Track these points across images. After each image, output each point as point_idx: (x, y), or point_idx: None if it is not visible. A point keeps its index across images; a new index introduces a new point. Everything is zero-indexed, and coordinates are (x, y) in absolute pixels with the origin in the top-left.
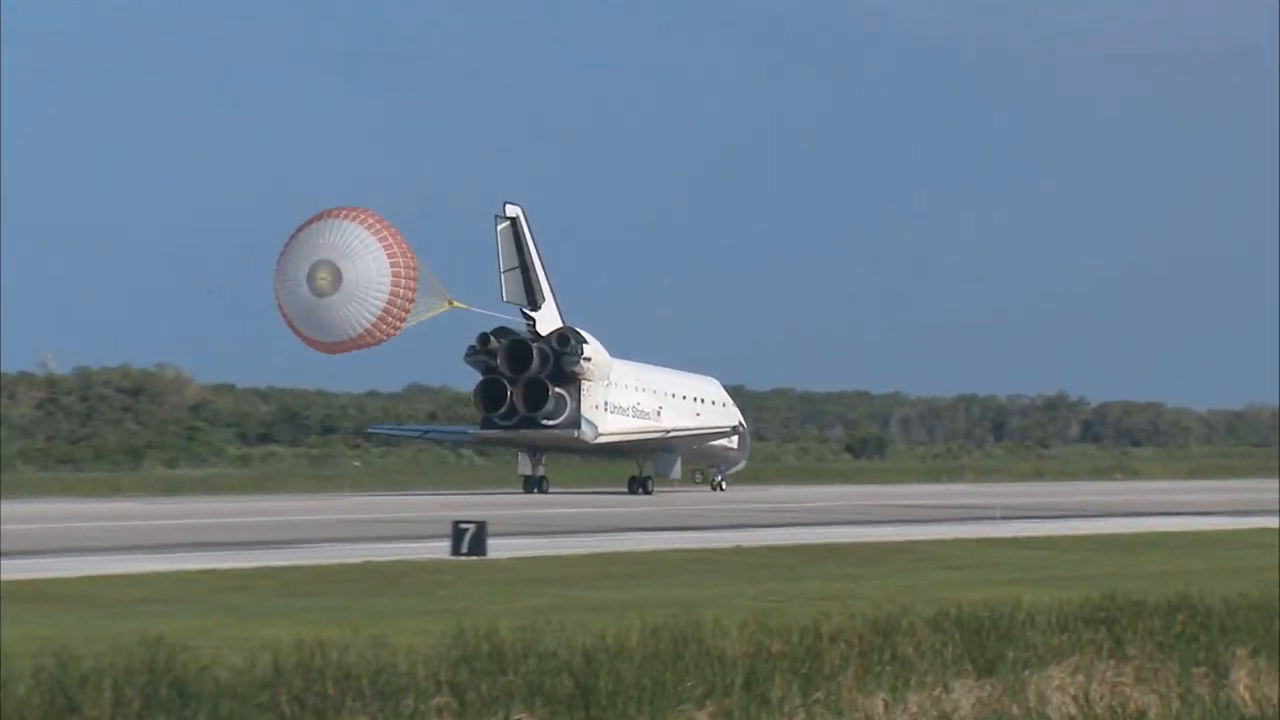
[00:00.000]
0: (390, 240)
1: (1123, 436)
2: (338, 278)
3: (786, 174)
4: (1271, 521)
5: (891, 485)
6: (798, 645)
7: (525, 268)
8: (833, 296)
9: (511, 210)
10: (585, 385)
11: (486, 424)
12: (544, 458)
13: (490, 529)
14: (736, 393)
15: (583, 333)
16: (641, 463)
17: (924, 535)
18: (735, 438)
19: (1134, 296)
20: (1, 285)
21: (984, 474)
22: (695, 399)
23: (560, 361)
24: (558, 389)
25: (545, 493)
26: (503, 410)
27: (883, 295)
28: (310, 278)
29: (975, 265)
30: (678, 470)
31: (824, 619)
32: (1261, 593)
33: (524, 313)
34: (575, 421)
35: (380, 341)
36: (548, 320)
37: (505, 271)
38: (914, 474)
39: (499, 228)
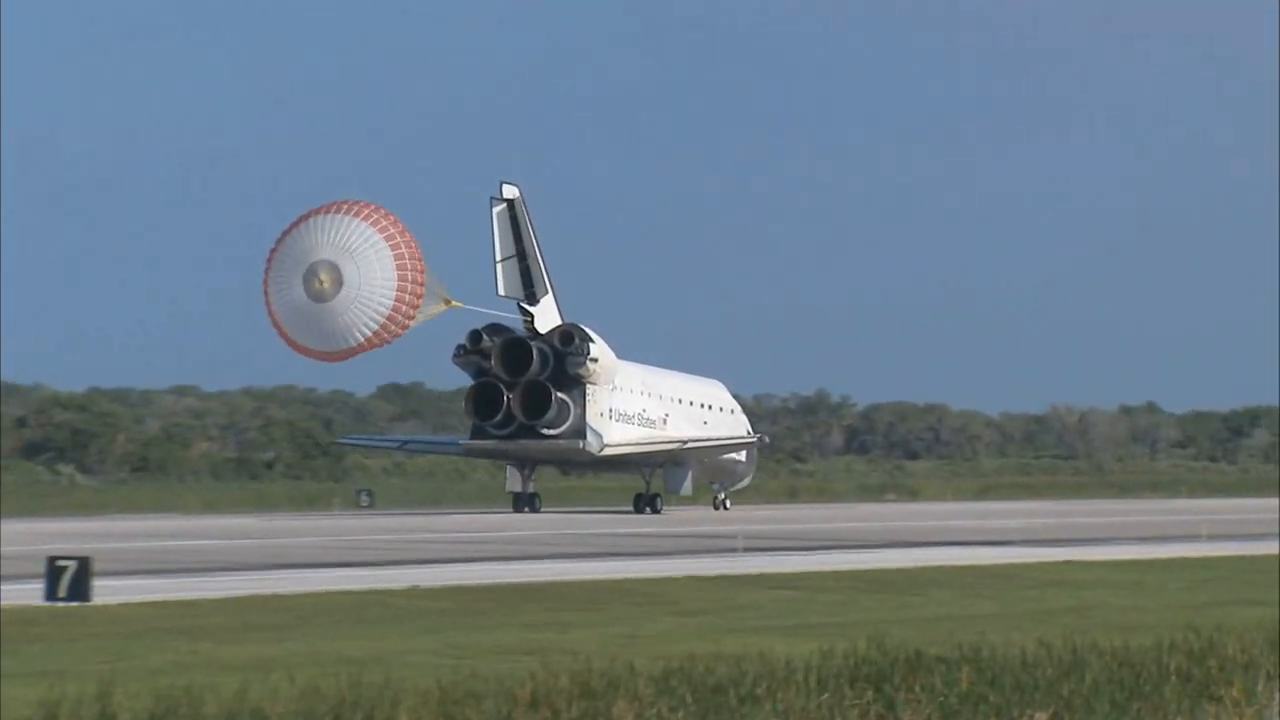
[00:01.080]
0: (397, 237)
1: (896, 447)
2: (338, 280)
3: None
4: (1081, 552)
5: (602, 510)
6: (491, 715)
7: (524, 256)
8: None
9: (509, 191)
10: (590, 390)
11: (477, 433)
12: (534, 473)
13: (109, 567)
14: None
15: (588, 330)
16: (649, 478)
17: (648, 571)
18: (743, 451)
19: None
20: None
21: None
22: (702, 405)
23: (563, 363)
24: (560, 394)
25: (537, 512)
26: (498, 418)
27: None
28: (307, 280)
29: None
30: (689, 486)
31: (523, 680)
32: (1065, 642)
33: (521, 307)
34: (580, 430)
35: (377, 346)
36: (546, 316)
37: (501, 261)
38: (629, 495)
39: (495, 211)
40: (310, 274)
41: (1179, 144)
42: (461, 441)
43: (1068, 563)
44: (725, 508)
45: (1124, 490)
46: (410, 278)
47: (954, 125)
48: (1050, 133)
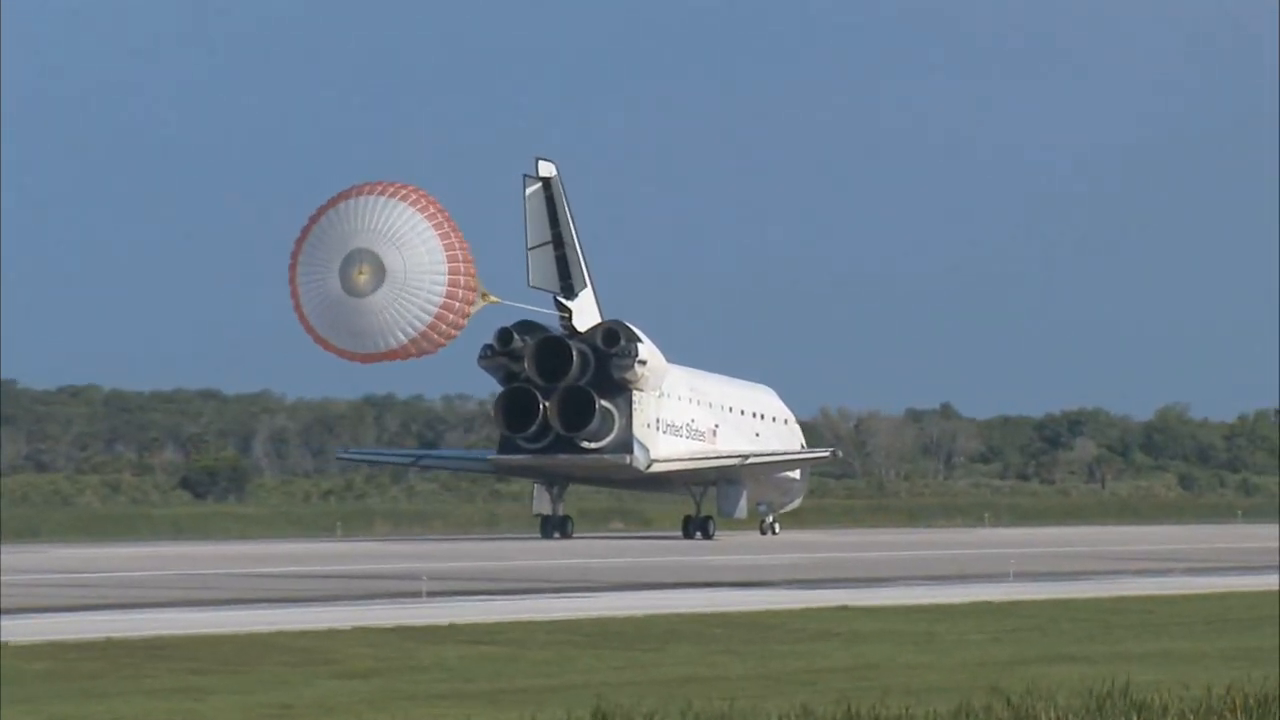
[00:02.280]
0: (444, 224)
1: None
2: (379, 271)
3: None
4: (858, 595)
5: (252, 543)
6: None
7: (560, 243)
8: None
9: (545, 168)
10: (637, 397)
11: (507, 447)
12: (564, 492)
13: None
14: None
15: (634, 328)
16: (700, 498)
17: (305, 622)
18: (797, 469)
19: None
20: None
21: (402, 521)
22: (754, 414)
23: (606, 366)
24: (604, 401)
25: (568, 536)
26: (532, 429)
27: None
28: (344, 272)
29: None
30: (744, 507)
31: None
32: (837, 710)
33: (557, 301)
34: (625, 444)
35: (428, 352)
36: (584, 312)
37: (534, 248)
38: (288, 522)
39: (528, 191)
40: (348, 264)
41: None
42: (489, 456)
43: (842, 609)
44: (774, 532)
45: (912, 516)
46: (463, 270)
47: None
48: None
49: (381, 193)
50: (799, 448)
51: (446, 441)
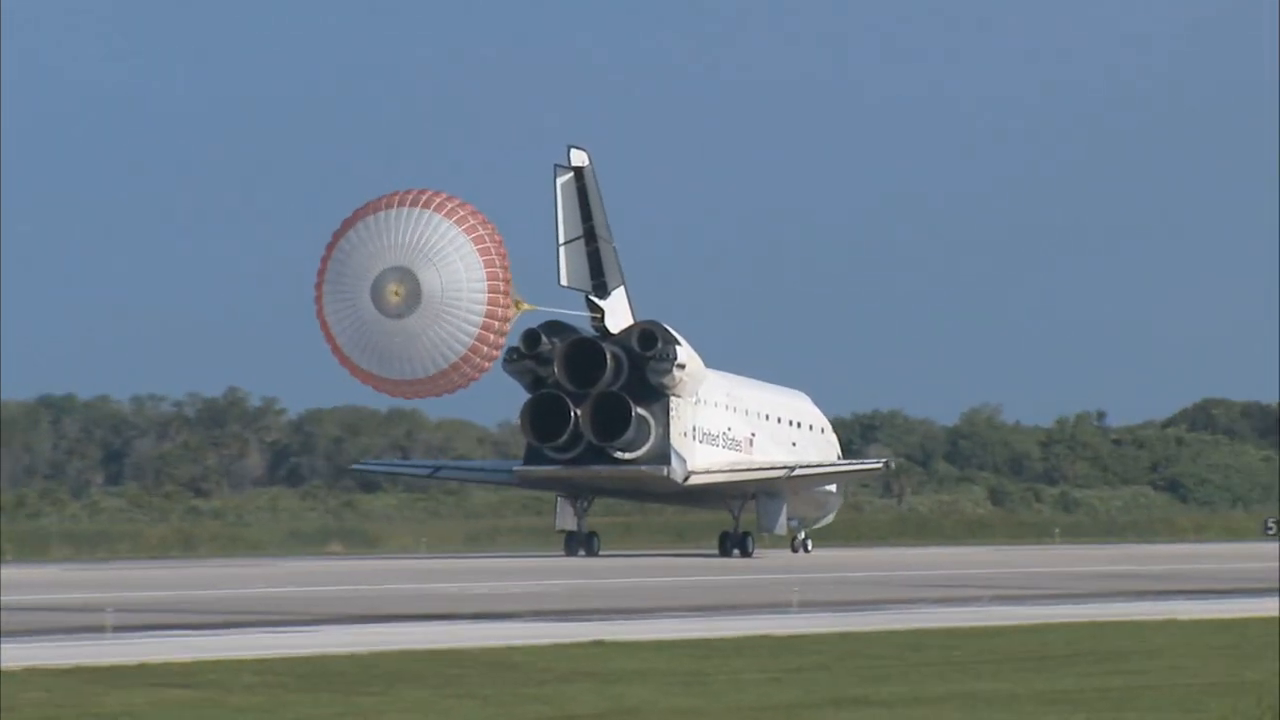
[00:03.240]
0: (479, 230)
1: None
2: (415, 290)
3: None
4: (616, 628)
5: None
6: None
7: (593, 238)
8: None
9: (578, 157)
10: (674, 404)
11: (534, 457)
12: (589, 506)
13: None
14: None
15: (672, 330)
16: (738, 513)
17: None
18: (834, 482)
19: None
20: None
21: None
22: (791, 422)
23: (642, 370)
24: (640, 409)
25: (595, 554)
26: (564, 438)
27: None
28: (377, 292)
29: None
30: (784, 522)
31: None
32: None
33: (589, 301)
34: (663, 454)
35: (472, 380)
36: (616, 313)
37: (566, 244)
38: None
39: (559, 181)
40: (380, 283)
41: None
42: (515, 468)
43: (597, 644)
44: (806, 549)
45: (678, 534)
46: (502, 288)
47: None
48: None
49: (414, 203)
50: (835, 457)
51: (136, 450)
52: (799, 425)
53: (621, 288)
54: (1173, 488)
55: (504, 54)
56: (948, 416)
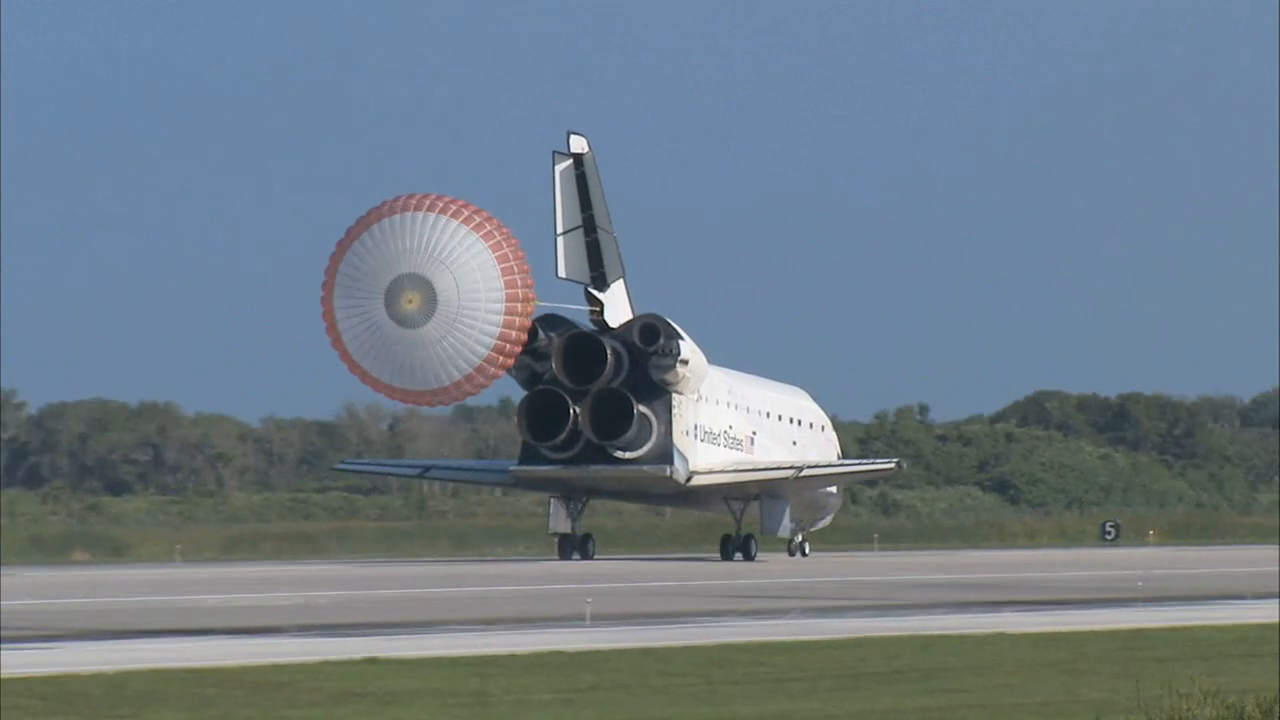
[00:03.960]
0: (496, 235)
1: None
2: (430, 297)
3: None
4: (388, 644)
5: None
6: None
7: (593, 228)
8: None
9: (577, 143)
10: (676, 401)
11: (529, 456)
12: (584, 508)
13: None
14: None
15: (674, 324)
16: (740, 515)
17: None
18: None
19: None
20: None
21: None
22: (792, 420)
23: (643, 366)
24: (642, 407)
25: (590, 558)
26: (562, 437)
27: None
28: (390, 300)
29: None
30: (787, 525)
31: None
32: None
33: (588, 294)
34: (665, 453)
35: (484, 386)
36: (615, 305)
37: (564, 234)
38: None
39: (558, 168)
40: (394, 291)
41: None
42: (510, 468)
43: (370, 661)
44: (804, 553)
45: (461, 541)
46: (520, 294)
47: None
48: None
49: (429, 209)
50: (835, 456)
51: None
52: (799, 423)
53: (621, 280)
54: (1002, 488)
55: (501, 37)
56: None
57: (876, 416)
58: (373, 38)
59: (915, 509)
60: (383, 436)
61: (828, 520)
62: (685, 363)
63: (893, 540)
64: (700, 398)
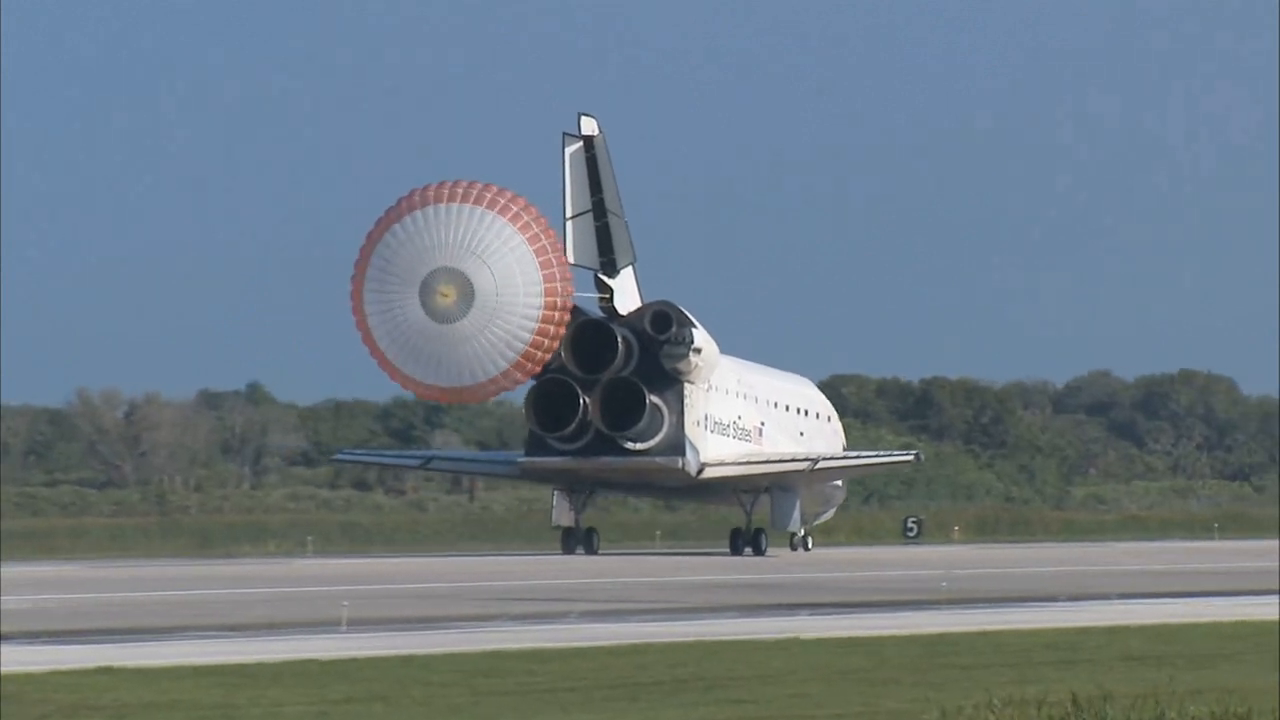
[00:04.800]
0: (536, 230)
1: None
2: (467, 291)
3: None
4: (130, 651)
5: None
6: None
7: (603, 212)
8: None
9: (588, 125)
10: (688, 391)
11: (536, 447)
12: (587, 501)
13: None
14: None
15: (686, 312)
16: (750, 508)
17: None
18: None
19: None
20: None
21: None
22: (799, 410)
23: (656, 355)
24: (654, 396)
25: (594, 553)
26: (572, 428)
27: None
28: (424, 294)
29: None
30: (798, 519)
31: None
32: None
33: (598, 280)
34: (677, 445)
35: (518, 383)
36: (624, 292)
37: (574, 218)
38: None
39: (568, 151)
40: (429, 284)
41: None
42: (518, 459)
43: (104, 670)
44: (806, 548)
45: (207, 540)
46: (560, 289)
47: None
48: None
49: (457, 199)
50: (841, 447)
51: None
52: (806, 413)
53: (631, 267)
54: None
55: (514, 17)
56: None
57: None
58: (379, 19)
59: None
60: (118, 425)
61: (830, 514)
62: (698, 351)
63: (677, 538)
64: (710, 387)
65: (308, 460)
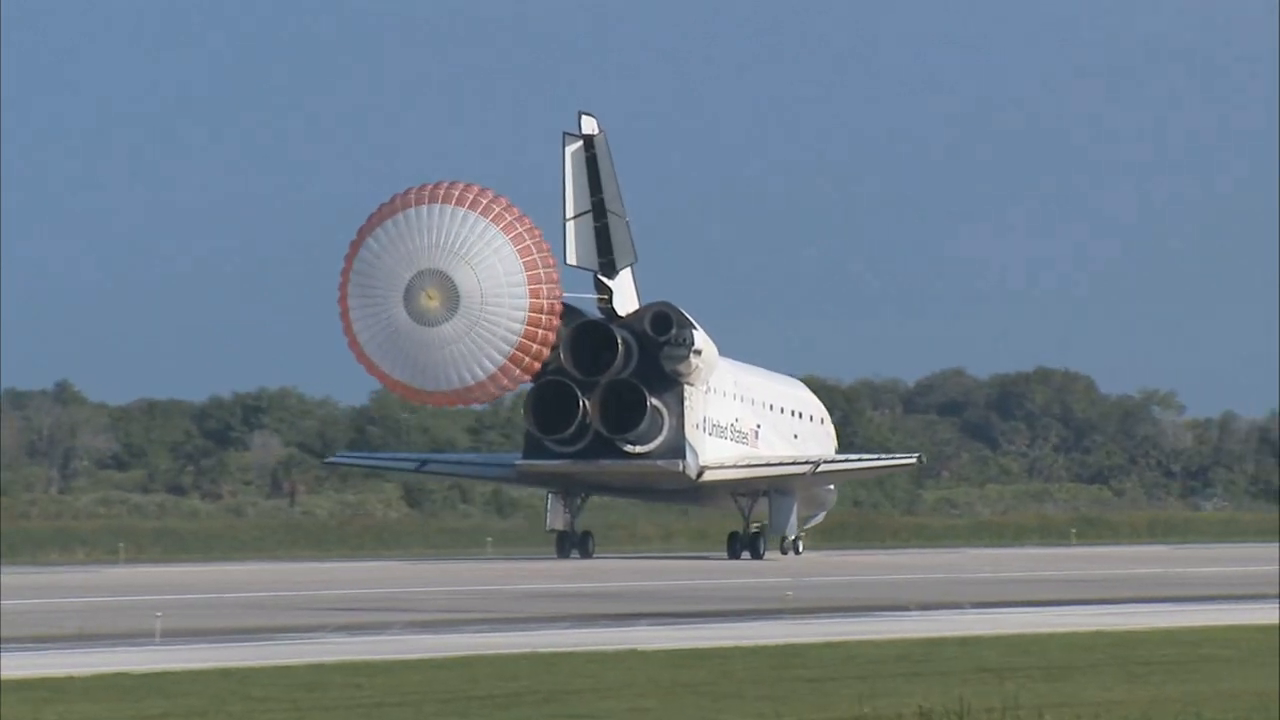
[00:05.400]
0: (521, 232)
1: None
2: (452, 295)
3: None
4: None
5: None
6: None
7: (603, 212)
8: None
9: (588, 124)
10: (688, 393)
11: (534, 450)
12: (584, 504)
13: None
14: None
15: (686, 313)
16: (749, 511)
17: None
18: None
19: None
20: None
21: None
22: (793, 413)
23: (656, 356)
24: (654, 399)
25: (590, 556)
26: (571, 430)
27: None
28: (409, 297)
29: None
30: (794, 523)
31: None
32: None
33: (598, 281)
34: (677, 447)
35: (509, 389)
36: (622, 293)
37: (574, 218)
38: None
39: (568, 150)
40: (414, 288)
41: None
42: (517, 462)
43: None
44: (797, 551)
45: (12, 548)
46: (545, 292)
47: None
48: None
49: (440, 200)
50: (833, 449)
51: None
52: (800, 415)
53: (630, 268)
54: None
55: (514, 15)
56: (354, 396)
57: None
58: (378, 20)
59: (534, 508)
60: None
61: (821, 518)
62: (699, 353)
63: (508, 544)
64: (709, 389)
65: (119, 463)
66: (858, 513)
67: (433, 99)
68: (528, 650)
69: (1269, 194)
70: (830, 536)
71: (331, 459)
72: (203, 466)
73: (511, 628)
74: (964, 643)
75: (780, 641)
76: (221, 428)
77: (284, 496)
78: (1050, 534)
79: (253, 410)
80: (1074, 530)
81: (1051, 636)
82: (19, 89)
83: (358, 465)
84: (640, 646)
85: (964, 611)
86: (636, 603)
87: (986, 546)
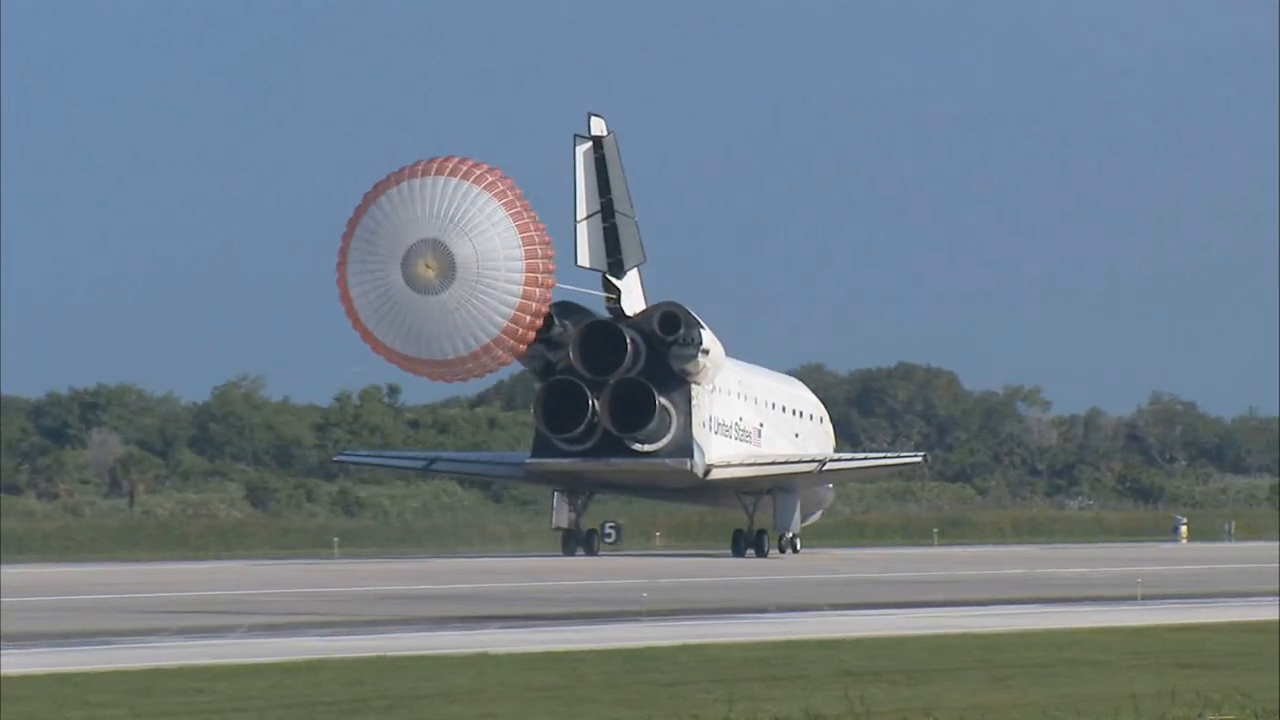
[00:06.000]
0: (516, 204)
1: None
2: (448, 264)
3: None
4: None
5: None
6: None
7: (611, 212)
8: None
9: (597, 125)
10: (695, 392)
11: (542, 448)
12: (589, 503)
13: None
14: None
15: (693, 313)
16: (753, 509)
17: None
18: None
19: None
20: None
21: None
22: (794, 412)
23: (663, 356)
24: (662, 398)
25: (595, 554)
26: (579, 429)
27: None
28: (406, 265)
29: None
30: (797, 521)
31: None
32: None
33: (606, 281)
34: (684, 446)
35: (504, 363)
36: (630, 293)
37: (585, 219)
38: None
39: (578, 151)
40: (411, 257)
41: None
42: (526, 461)
43: None
44: (796, 549)
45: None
46: (541, 265)
47: None
48: None
49: (443, 172)
50: (831, 448)
51: None
52: (800, 414)
53: (638, 268)
54: (485, 484)
55: (523, 19)
56: (196, 392)
57: (338, 398)
58: (389, 20)
59: (383, 508)
60: None
61: (818, 516)
62: (706, 352)
63: (355, 544)
64: (714, 388)
65: None
66: (713, 512)
67: (436, 99)
68: (375, 654)
69: (1161, 191)
70: (687, 535)
71: (339, 457)
72: (39, 465)
73: (358, 631)
74: (825, 645)
75: (635, 644)
76: (58, 425)
77: (123, 496)
78: (913, 533)
79: (90, 407)
80: (937, 530)
81: (914, 639)
82: None
83: (364, 464)
84: (491, 650)
85: (823, 613)
86: (487, 605)
87: (848, 546)
